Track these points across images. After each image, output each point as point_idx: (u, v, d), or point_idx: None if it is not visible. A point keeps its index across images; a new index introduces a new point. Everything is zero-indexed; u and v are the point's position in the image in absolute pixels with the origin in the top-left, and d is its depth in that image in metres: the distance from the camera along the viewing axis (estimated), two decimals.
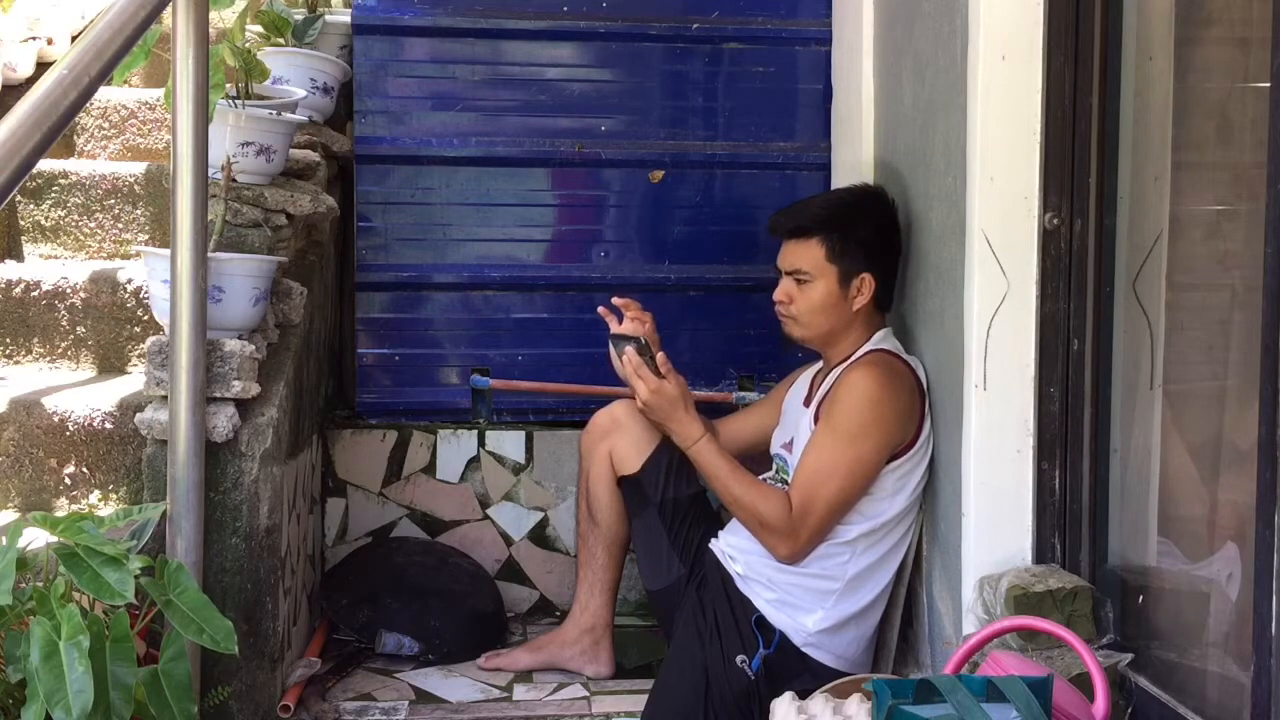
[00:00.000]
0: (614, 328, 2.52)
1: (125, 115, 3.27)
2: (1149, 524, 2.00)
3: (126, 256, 2.87)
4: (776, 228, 2.52)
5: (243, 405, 2.24)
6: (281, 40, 3.04)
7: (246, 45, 2.58)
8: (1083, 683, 1.81)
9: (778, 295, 2.50)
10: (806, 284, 2.45)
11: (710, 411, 2.78)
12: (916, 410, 2.36)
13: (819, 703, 1.95)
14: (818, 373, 2.57)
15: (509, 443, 3.12)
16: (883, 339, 2.47)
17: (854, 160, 2.91)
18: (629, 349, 2.43)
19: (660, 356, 2.45)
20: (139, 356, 2.57)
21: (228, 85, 2.40)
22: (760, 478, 2.47)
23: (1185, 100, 1.93)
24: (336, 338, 3.22)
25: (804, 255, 2.46)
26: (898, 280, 2.56)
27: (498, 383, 3.16)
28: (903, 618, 2.47)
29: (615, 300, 2.53)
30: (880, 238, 2.49)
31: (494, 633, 2.89)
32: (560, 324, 3.20)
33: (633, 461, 2.57)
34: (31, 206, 2.90)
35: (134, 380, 2.48)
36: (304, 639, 2.68)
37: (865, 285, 2.45)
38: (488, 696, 2.57)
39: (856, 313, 2.46)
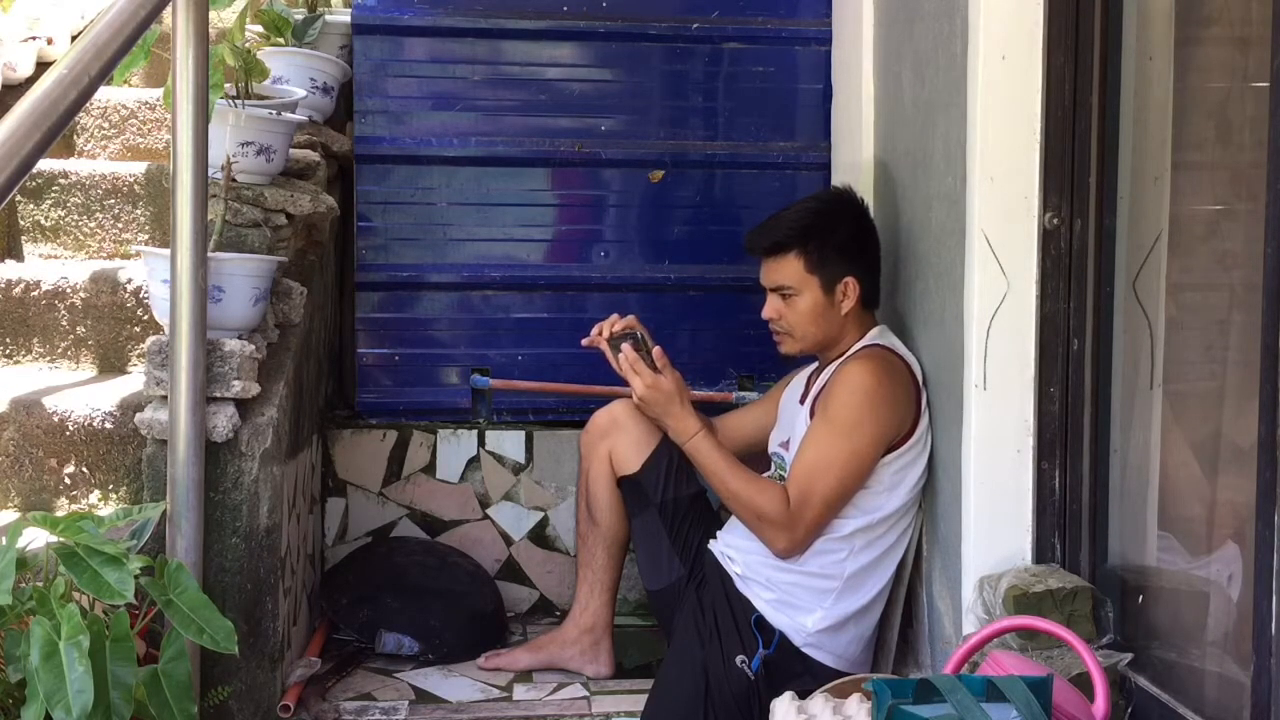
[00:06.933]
0: (608, 332, 2.51)
1: (125, 115, 3.27)
2: (1149, 524, 2.00)
3: (126, 256, 2.87)
4: (753, 247, 2.53)
5: (243, 405, 2.24)
6: (281, 40, 3.04)
7: (246, 45, 2.58)
8: (1083, 683, 1.81)
9: (767, 313, 2.50)
10: (792, 297, 2.46)
11: (710, 411, 2.78)
12: (913, 402, 2.36)
13: (819, 703, 1.95)
14: (813, 371, 2.57)
15: (509, 443, 3.12)
16: (877, 335, 2.47)
17: (854, 160, 2.91)
18: (626, 345, 2.44)
19: (656, 351, 2.46)
20: (139, 356, 2.57)
21: (227, 85, 2.40)
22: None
23: (1185, 100, 1.93)
24: (336, 338, 3.22)
25: (784, 271, 2.47)
26: (899, 281, 2.56)
27: (498, 383, 3.16)
28: (903, 618, 2.47)
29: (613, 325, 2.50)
30: (856, 240, 2.50)
31: (494, 633, 2.89)
32: (560, 324, 3.19)
33: (633, 461, 2.57)
34: (31, 206, 2.90)
35: (134, 380, 2.48)
36: (304, 639, 2.68)
37: (849, 288, 2.45)
38: (488, 696, 2.57)
39: (846, 315, 2.47)
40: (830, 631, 2.38)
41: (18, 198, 2.85)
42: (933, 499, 2.37)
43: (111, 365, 2.60)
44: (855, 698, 1.94)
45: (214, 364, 2.17)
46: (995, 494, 2.13)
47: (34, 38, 3.50)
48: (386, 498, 3.10)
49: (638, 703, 2.46)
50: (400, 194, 3.17)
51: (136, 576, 1.85)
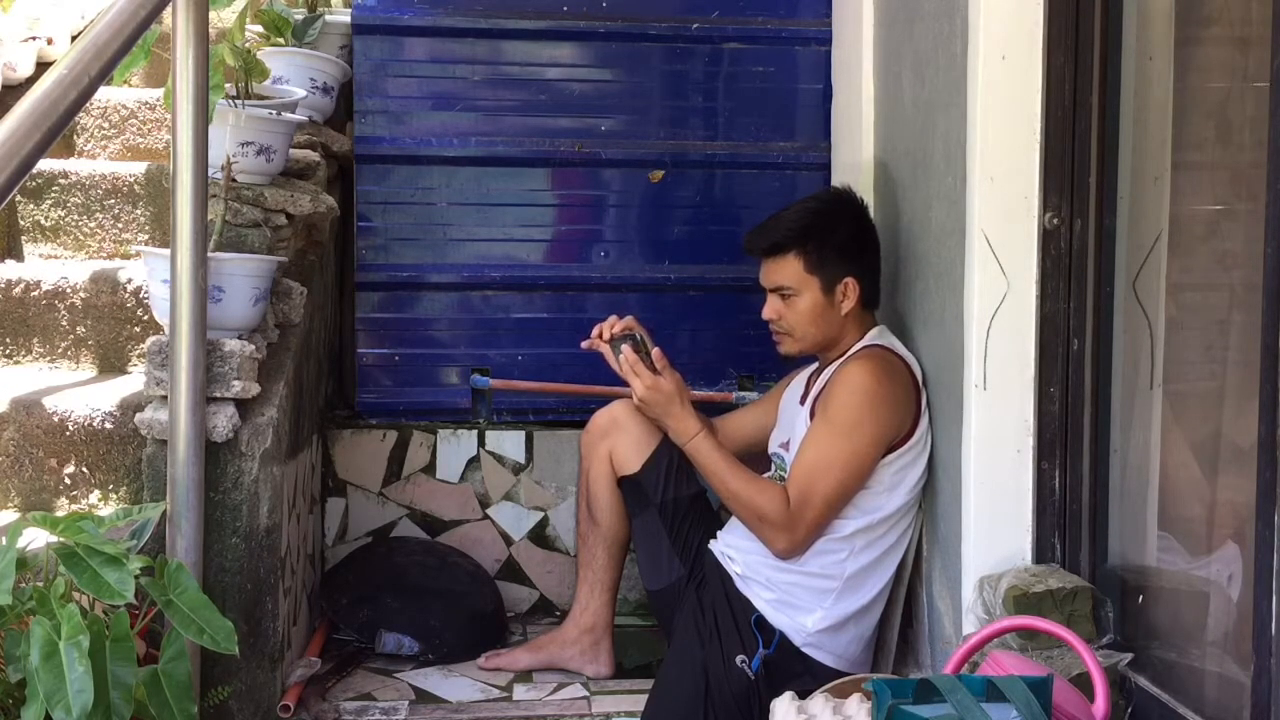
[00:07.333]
0: (608, 334, 2.51)
1: (125, 115, 3.27)
2: (1149, 524, 2.00)
3: (126, 256, 2.87)
4: (751, 248, 2.53)
5: (243, 405, 2.24)
6: (281, 40, 3.04)
7: (246, 45, 2.58)
8: (1083, 683, 1.81)
9: (767, 314, 2.50)
10: (792, 298, 2.46)
11: (710, 411, 2.78)
12: (912, 402, 2.36)
13: (819, 703, 1.95)
14: (814, 372, 2.57)
15: (509, 443, 3.12)
16: (877, 335, 2.47)
17: (854, 160, 2.91)
18: (625, 346, 2.45)
19: (656, 352, 2.46)
20: (139, 356, 2.57)
21: (228, 85, 2.40)
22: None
23: (1185, 100, 1.94)
24: (336, 338, 3.22)
25: (783, 271, 2.46)
26: (899, 281, 2.56)
27: (498, 383, 3.16)
28: (903, 618, 2.47)
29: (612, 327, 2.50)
30: (856, 240, 2.50)
31: (494, 632, 2.89)
32: (560, 324, 3.20)
33: (633, 461, 2.57)
34: (31, 206, 2.90)
35: (134, 380, 2.48)
36: (304, 639, 2.68)
37: (849, 289, 2.45)
38: (488, 696, 2.57)
39: (846, 316, 2.47)
40: (830, 631, 2.38)
41: (18, 198, 2.85)
42: (933, 499, 2.37)
43: (111, 365, 2.60)
44: (855, 698, 1.94)
45: (214, 364, 2.17)
46: (995, 494, 2.13)
47: (34, 38, 3.50)
48: (386, 498, 3.10)
49: (638, 703, 2.46)
50: (400, 194, 3.17)
51: (136, 576, 1.85)
